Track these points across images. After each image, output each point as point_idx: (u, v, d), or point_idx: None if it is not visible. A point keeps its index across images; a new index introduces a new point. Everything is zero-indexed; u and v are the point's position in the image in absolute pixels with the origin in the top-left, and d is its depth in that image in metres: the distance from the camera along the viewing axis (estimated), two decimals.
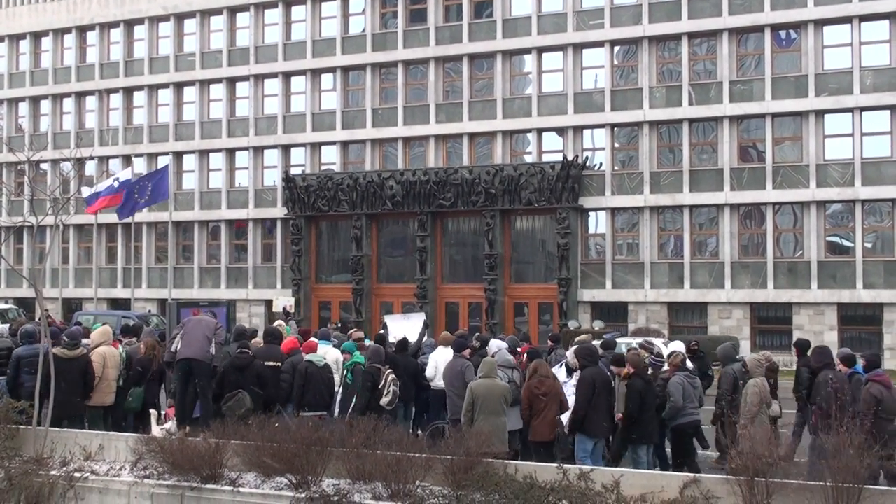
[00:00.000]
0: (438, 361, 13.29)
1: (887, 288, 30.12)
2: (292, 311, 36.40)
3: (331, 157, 39.23)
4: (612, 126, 34.45)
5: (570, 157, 33.79)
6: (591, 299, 33.90)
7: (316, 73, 39.34)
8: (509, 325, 33.90)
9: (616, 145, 34.84)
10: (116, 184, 32.72)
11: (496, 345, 13.80)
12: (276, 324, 17.69)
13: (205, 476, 10.02)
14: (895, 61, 30.69)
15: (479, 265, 35.11)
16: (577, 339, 15.17)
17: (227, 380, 12.28)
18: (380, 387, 11.71)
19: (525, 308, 35.09)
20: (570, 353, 13.08)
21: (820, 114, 31.47)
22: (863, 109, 30.89)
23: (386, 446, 9.65)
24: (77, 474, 10.56)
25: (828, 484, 8.17)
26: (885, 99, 30.51)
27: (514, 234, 35.54)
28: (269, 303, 38.71)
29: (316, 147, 39.32)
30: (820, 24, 31.55)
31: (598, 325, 31.57)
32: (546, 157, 35.05)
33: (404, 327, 18.47)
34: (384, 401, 11.50)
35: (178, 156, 41.90)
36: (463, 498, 9.14)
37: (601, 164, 34.45)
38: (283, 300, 37.19)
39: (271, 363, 12.53)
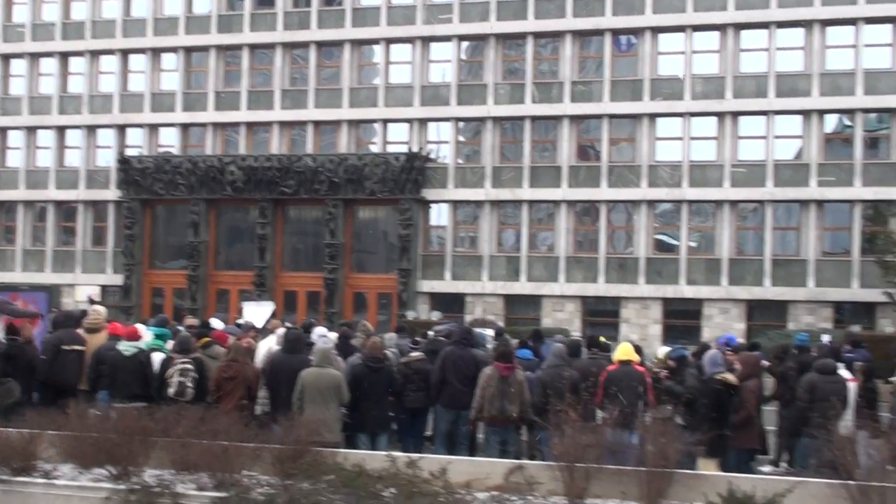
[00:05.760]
0: (271, 348, 13.02)
1: (707, 284, 31.89)
2: (98, 299, 35.23)
3: (170, 140, 37.95)
4: (457, 120, 34.88)
5: (414, 149, 34.02)
6: (430, 290, 34.23)
7: (157, 53, 37.94)
8: (348, 314, 33.83)
9: (460, 139, 35.30)
10: None
11: (319, 331, 13.82)
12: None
13: (16, 468, 9.52)
14: (725, 69, 32.37)
15: (319, 254, 34.84)
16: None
17: None
18: (166, 376, 11.42)
19: (365, 297, 35.11)
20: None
21: (653, 117, 32.92)
22: (692, 115, 32.48)
23: (212, 436, 9.45)
24: None
25: (642, 469, 8.58)
26: (711, 106, 32.20)
27: (357, 224, 35.47)
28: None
29: (154, 129, 37.94)
30: (656, 31, 32.96)
31: (435, 315, 31.99)
32: (391, 149, 35.12)
33: (257, 312, 18.64)
34: (169, 391, 11.23)
35: (3, 132, 39.54)
36: (290, 486, 9.08)
37: (445, 157, 34.84)
38: (87, 289, 35.87)
39: (77, 347, 12.21)
